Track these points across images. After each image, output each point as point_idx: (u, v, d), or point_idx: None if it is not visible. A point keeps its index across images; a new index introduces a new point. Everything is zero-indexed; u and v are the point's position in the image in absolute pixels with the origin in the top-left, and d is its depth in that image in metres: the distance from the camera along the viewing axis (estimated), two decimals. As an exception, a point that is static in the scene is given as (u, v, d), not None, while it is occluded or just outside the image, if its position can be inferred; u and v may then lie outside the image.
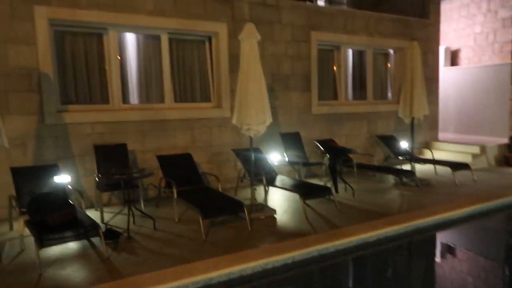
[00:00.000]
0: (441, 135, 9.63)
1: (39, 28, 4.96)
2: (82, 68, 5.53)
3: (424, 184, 6.51)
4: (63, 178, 4.61)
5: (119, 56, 5.72)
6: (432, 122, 9.04)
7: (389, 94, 8.71)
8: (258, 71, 4.87)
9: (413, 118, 6.77)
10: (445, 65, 10.26)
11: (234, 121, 4.90)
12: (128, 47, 5.92)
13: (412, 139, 6.93)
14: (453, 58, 10.48)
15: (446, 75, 10.12)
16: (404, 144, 7.81)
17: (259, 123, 4.86)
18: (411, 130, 6.85)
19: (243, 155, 5.88)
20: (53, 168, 4.64)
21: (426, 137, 8.96)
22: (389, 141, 7.95)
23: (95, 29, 5.52)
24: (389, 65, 8.66)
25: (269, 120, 4.95)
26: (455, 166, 6.71)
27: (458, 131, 10.07)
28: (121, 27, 5.63)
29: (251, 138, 5.01)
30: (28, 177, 4.38)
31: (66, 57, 5.41)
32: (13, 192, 4.30)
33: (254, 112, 4.77)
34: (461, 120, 10.00)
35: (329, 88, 7.86)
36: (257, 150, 6.22)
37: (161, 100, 6.08)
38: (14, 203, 4.20)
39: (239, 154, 5.98)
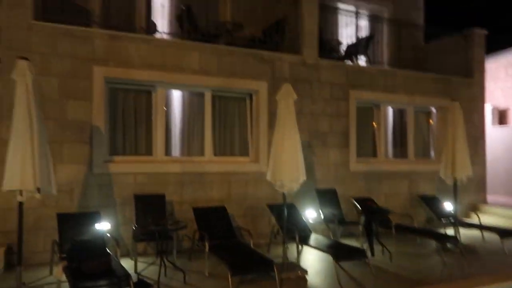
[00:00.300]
0: (489, 198, 9.13)
1: (96, 85, 5.47)
2: (130, 122, 5.95)
3: (469, 251, 6.12)
4: (103, 226, 4.85)
5: (165, 110, 6.11)
6: (479, 183, 8.63)
7: (432, 153, 8.50)
8: (294, 129, 5.00)
9: (455, 179, 6.52)
10: (493, 124, 9.94)
11: (268, 177, 4.99)
12: (174, 102, 6.33)
13: (455, 201, 6.64)
14: (501, 117, 10.15)
15: (494, 134, 9.77)
16: (448, 206, 7.47)
17: (293, 180, 4.91)
18: (454, 191, 6.57)
19: (277, 210, 5.89)
20: (95, 215, 4.90)
21: (472, 199, 8.52)
22: (431, 202, 7.64)
23: (145, 86, 5.99)
24: (431, 122, 8.53)
25: (302, 177, 4.99)
26: (505, 232, 6.30)
27: (508, 193, 9.50)
28: (168, 84, 6.07)
29: (284, 194, 5.05)
30: (71, 223, 4.65)
31: (117, 111, 5.87)
32: (57, 237, 4.56)
33: (287, 169, 4.84)
34: (510, 182, 9.47)
35: (368, 145, 7.82)
36: (292, 206, 6.21)
37: (201, 153, 6.34)
38: (56, 248, 4.44)
39: (273, 210, 6.00)
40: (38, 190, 3.72)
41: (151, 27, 7.21)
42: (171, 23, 7.43)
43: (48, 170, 3.88)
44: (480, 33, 8.84)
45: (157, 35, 7.13)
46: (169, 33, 6.54)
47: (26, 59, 3.91)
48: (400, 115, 8.29)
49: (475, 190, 8.57)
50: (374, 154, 7.85)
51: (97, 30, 5.61)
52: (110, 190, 5.49)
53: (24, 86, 3.80)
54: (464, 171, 6.47)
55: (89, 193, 5.37)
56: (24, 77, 3.82)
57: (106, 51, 5.54)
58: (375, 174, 7.52)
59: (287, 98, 5.10)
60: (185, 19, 6.72)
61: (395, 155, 8.13)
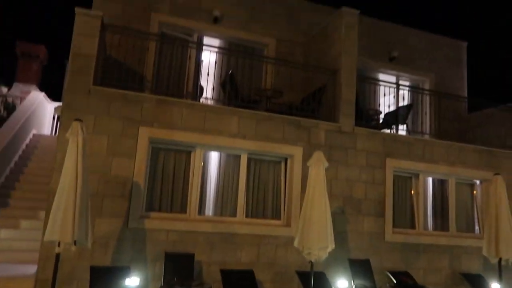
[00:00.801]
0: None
1: (140, 144, 5.90)
2: (168, 180, 6.26)
3: None
4: (133, 281, 4.98)
5: (201, 170, 6.40)
6: (532, 264, 7.94)
7: (477, 227, 8.04)
8: (324, 197, 5.06)
9: (500, 259, 6.11)
10: (545, 200, 9.29)
11: (296, 243, 4.99)
12: (211, 163, 6.63)
13: (500, 282, 6.16)
14: (555, 193, 9.49)
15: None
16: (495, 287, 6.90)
17: (321, 248, 4.87)
18: (499, 272, 6.13)
19: (307, 278, 5.76)
20: (126, 270, 5.07)
21: (524, 282, 7.82)
22: (475, 281, 7.11)
23: (185, 147, 6.36)
24: (475, 194, 8.17)
25: (331, 246, 4.94)
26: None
27: None
28: (207, 146, 6.40)
29: (311, 263, 4.98)
30: (103, 276, 4.84)
31: (157, 169, 6.22)
32: (88, 289, 4.74)
33: (316, 237, 4.84)
34: None
35: (406, 216, 7.58)
36: (321, 275, 6.05)
37: (233, 214, 6.46)
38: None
39: (302, 277, 5.88)
40: (75, 242, 3.98)
41: (199, 92, 7.78)
42: (215, 89, 7.97)
43: (86, 223, 4.17)
44: (525, 106, 8.64)
45: (202, 100, 7.66)
46: (213, 99, 7.02)
47: (80, 120, 4.38)
48: (441, 186, 8.04)
49: (527, 272, 7.87)
50: (413, 225, 7.56)
51: (146, 94, 6.16)
52: (143, 246, 5.68)
53: (75, 144, 4.24)
54: (510, 251, 6.07)
55: (123, 247, 5.59)
56: (76, 137, 4.26)
57: (152, 113, 6.03)
58: (412, 247, 7.20)
59: (318, 165, 5.22)
60: (228, 85, 7.21)
61: (436, 227, 7.78)
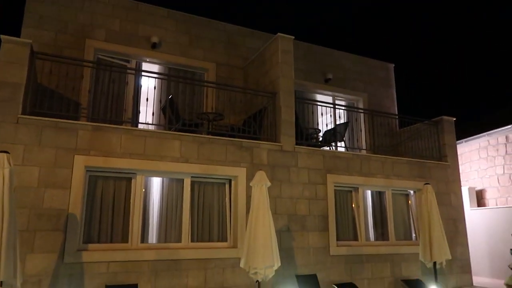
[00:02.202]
0: (475, 279, 8.94)
1: (76, 174, 5.65)
2: (108, 209, 6.03)
3: None
4: (70, 319, 4.66)
5: (143, 196, 6.23)
6: (464, 265, 8.52)
7: (414, 235, 8.51)
8: (267, 216, 5.12)
9: (435, 263, 6.49)
10: (471, 205, 10.11)
11: (242, 264, 4.98)
12: (153, 188, 6.48)
13: (436, 284, 6.52)
14: (479, 198, 10.36)
15: (474, 216, 9.88)
16: (433, 291, 7.30)
17: (267, 267, 4.90)
18: (435, 275, 6.50)
19: (255, 299, 5.73)
20: (63, 308, 4.73)
21: (458, 282, 8.35)
22: (415, 286, 7.47)
23: (125, 174, 6.18)
24: (410, 204, 8.68)
25: (277, 264, 4.99)
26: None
27: (493, 275, 9.34)
28: (148, 172, 6.27)
29: (258, 282, 4.99)
30: (36, 317, 4.48)
31: (96, 198, 5.97)
32: (19, 333, 4.36)
33: (261, 256, 4.86)
34: (495, 263, 9.35)
35: (348, 228, 7.86)
36: (270, 294, 6.05)
37: (178, 239, 6.32)
38: None
39: (251, 298, 5.84)
40: (1, 283, 3.68)
41: (138, 118, 7.66)
42: (155, 114, 7.88)
43: (15, 261, 3.88)
44: (449, 120, 9.43)
45: (142, 126, 7.54)
46: (154, 124, 6.94)
47: (6, 152, 4.13)
48: (379, 198, 8.46)
49: (460, 272, 8.43)
50: (355, 237, 7.85)
51: (81, 122, 5.95)
52: (80, 281, 5.36)
53: (1, 177, 3.98)
54: (443, 254, 6.48)
55: (58, 284, 5.23)
56: (2, 169, 4.00)
57: (89, 141, 5.83)
58: (356, 258, 7.45)
59: (260, 184, 5.30)
60: (168, 109, 7.17)
61: (377, 237, 8.13)
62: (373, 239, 8.07)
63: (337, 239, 7.44)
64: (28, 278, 5.00)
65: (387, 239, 8.12)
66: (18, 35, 7.46)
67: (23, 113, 5.60)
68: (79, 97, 7.53)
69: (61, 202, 5.48)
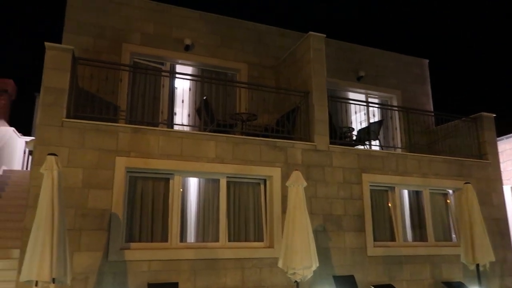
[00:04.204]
0: (522, 284, 8.57)
1: (117, 175, 5.84)
2: (148, 209, 6.19)
3: None
4: (115, 316, 4.82)
5: (181, 196, 6.36)
6: (509, 267, 8.19)
7: (454, 236, 8.27)
8: (304, 216, 5.12)
9: (477, 265, 6.28)
10: (515, 205, 9.70)
11: (280, 264, 5.00)
12: (190, 188, 6.60)
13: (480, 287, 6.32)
14: (523, 197, 9.92)
15: (518, 215, 9.49)
16: (475, 294, 7.07)
17: (305, 267, 4.89)
18: (478, 278, 6.29)
19: (292, 299, 5.74)
20: (108, 305, 4.90)
21: (502, 285, 8.03)
22: (457, 289, 7.26)
23: (163, 175, 6.32)
24: (449, 203, 8.44)
25: (315, 264, 4.98)
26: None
27: (543, 279, 8.91)
28: (185, 172, 6.39)
29: (297, 283, 4.99)
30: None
31: (136, 199, 6.14)
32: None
33: (299, 256, 4.86)
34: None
35: (385, 229, 7.72)
36: (307, 294, 6.04)
37: (216, 239, 6.41)
38: None
39: (288, 298, 5.85)
40: (53, 280, 3.86)
41: (172, 120, 7.81)
42: (190, 116, 8.02)
43: (65, 260, 4.06)
44: (488, 117, 9.08)
45: (178, 127, 7.68)
46: (189, 125, 7.06)
47: (54, 154, 4.32)
48: (416, 197, 8.27)
49: (504, 275, 8.11)
50: (393, 238, 7.70)
51: (121, 124, 6.14)
52: (124, 278, 5.54)
53: (50, 179, 4.16)
54: (486, 256, 6.26)
55: (103, 281, 5.43)
56: (51, 171, 4.19)
57: (128, 143, 6.00)
58: (394, 259, 7.31)
59: (297, 184, 5.30)
60: (203, 111, 7.27)
61: (415, 238, 7.94)
62: (411, 240, 7.90)
63: (374, 240, 7.33)
64: (76, 275, 5.21)
65: (426, 240, 7.92)
66: (60, 41, 7.77)
67: (67, 116, 5.83)
68: (117, 100, 7.76)
69: (104, 202, 5.68)
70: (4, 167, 9.14)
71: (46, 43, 5.90)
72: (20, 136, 10.63)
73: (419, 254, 7.52)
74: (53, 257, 3.88)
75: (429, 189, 8.20)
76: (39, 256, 3.86)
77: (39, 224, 3.98)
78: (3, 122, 10.88)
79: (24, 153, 10.35)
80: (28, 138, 10.50)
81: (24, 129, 11.52)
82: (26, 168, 10.18)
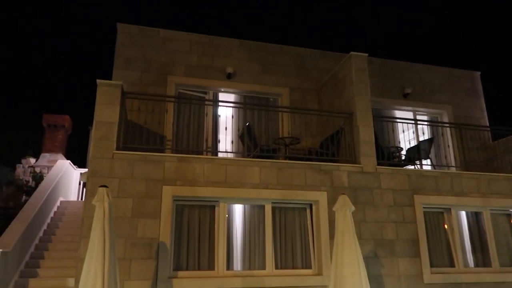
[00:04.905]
0: None
1: (165, 204, 5.96)
2: (194, 236, 6.23)
3: None
4: None
5: (227, 223, 6.35)
6: None
7: (522, 261, 7.56)
8: (354, 242, 4.91)
9: (553, 294, 5.67)
10: None
11: (330, 294, 4.79)
12: (235, 215, 6.59)
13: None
14: None
15: None
16: (553, 326, 6.35)
17: (357, 296, 4.65)
18: (554, 309, 5.66)
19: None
20: (157, 335, 4.92)
21: None
22: (530, 320, 6.57)
23: (208, 202, 6.37)
24: (514, 226, 7.78)
25: (367, 293, 4.72)
26: None
27: None
28: (231, 199, 6.41)
29: (349, 313, 4.74)
30: None
31: (183, 226, 6.22)
32: None
33: (350, 285, 4.65)
34: None
35: (443, 254, 7.22)
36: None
37: (262, 266, 6.30)
38: None
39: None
40: (105, 309, 3.93)
41: (216, 148, 7.94)
42: (234, 143, 8.11)
43: (115, 288, 4.14)
44: (552, 129, 8.40)
45: (222, 154, 7.78)
46: (233, 152, 7.14)
47: (106, 186, 4.49)
48: (476, 219, 7.70)
49: None
50: (452, 263, 7.18)
51: (167, 154, 6.31)
52: (172, 307, 5.56)
53: (102, 210, 4.31)
54: (562, 284, 5.64)
55: (154, 310, 5.48)
56: (103, 202, 4.35)
57: (174, 172, 6.14)
58: (454, 286, 6.78)
59: (344, 209, 5.14)
60: (245, 137, 7.33)
61: (477, 263, 7.35)
62: (472, 266, 7.32)
63: (431, 266, 6.86)
64: (126, 304, 5.31)
65: (489, 265, 7.30)
66: (110, 77, 8.24)
67: (117, 148, 6.09)
68: (164, 130, 8.03)
69: (152, 231, 5.80)
70: (62, 198, 9.69)
71: (98, 80, 6.27)
72: (75, 168, 11.27)
73: (483, 281, 6.93)
74: (104, 286, 3.97)
75: (490, 210, 7.62)
76: (91, 285, 3.97)
77: (91, 254, 4.11)
78: (60, 155, 11.61)
79: (79, 184, 10.94)
80: (83, 170, 11.12)
81: (80, 162, 12.22)
82: (81, 199, 10.72)
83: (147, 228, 5.79)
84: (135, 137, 6.79)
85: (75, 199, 10.81)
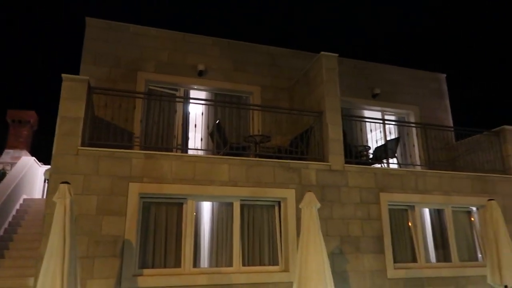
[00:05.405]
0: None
1: (131, 201, 5.88)
2: (161, 234, 6.18)
3: None
4: None
5: (194, 221, 6.33)
6: (542, 289, 7.71)
7: (480, 255, 7.89)
8: (318, 238, 5.00)
9: (506, 286, 5.94)
10: (545, 221, 9.20)
11: (294, 289, 4.86)
12: (203, 212, 6.58)
13: (511, 312, 5.94)
14: (554, 213, 9.42)
15: (549, 233, 8.99)
16: (507, 318, 6.65)
17: (320, 292, 4.73)
18: (507, 301, 5.94)
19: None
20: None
21: (537, 309, 7.55)
22: (486, 313, 6.86)
23: (176, 199, 6.33)
24: (473, 220, 8.10)
25: (331, 289, 4.81)
26: None
27: None
28: (199, 196, 6.38)
29: (312, 309, 4.82)
30: None
31: (149, 224, 6.16)
32: None
33: (314, 281, 4.73)
34: None
35: (406, 250, 7.45)
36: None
37: (230, 263, 6.32)
38: None
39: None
40: (63, 308, 3.85)
41: (186, 145, 7.89)
42: (203, 140, 8.08)
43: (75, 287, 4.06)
44: (511, 130, 8.77)
45: (192, 152, 7.74)
46: (203, 149, 7.11)
47: (67, 183, 4.40)
48: (439, 216, 7.98)
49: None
50: (414, 259, 7.41)
51: (134, 151, 6.23)
52: (138, 306, 5.50)
53: (63, 207, 4.22)
54: (515, 277, 5.92)
55: (118, 309, 5.40)
56: (64, 199, 4.25)
57: (142, 169, 6.07)
58: (416, 281, 7.00)
59: (310, 206, 5.20)
60: (215, 134, 7.32)
61: (438, 259, 7.62)
62: (434, 261, 7.58)
63: (395, 261, 7.06)
64: (88, 304, 5.21)
65: (450, 260, 7.58)
66: (77, 72, 8.05)
67: (82, 145, 5.96)
68: (132, 127, 7.91)
69: (117, 228, 5.71)
70: (25, 196, 9.38)
71: (63, 75, 6.11)
72: (41, 165, 10.94)
73: (443, 276, 7.19)
74: (63, 286, 3.89)
75: (452, 207, 7.91)
76: (50, 284, 3.88)
77: (50, 252, 4.01)
78: (25, 152, 11.24)
79: (45, 182, 10.63)
80: (49, 167, 10.80)
81: (46, 158, 11.86)
82: (46, 197, 10.41)
83: (112, 225, 5.70)
84: (102, 133, 6.66)
85: (40, 196, 10.49)
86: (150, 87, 8.59)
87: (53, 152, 5.77)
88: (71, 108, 5.97)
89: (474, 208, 8.15)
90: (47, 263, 3.98)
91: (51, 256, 3.99)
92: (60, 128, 5.86)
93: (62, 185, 4.36)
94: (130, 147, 7.19)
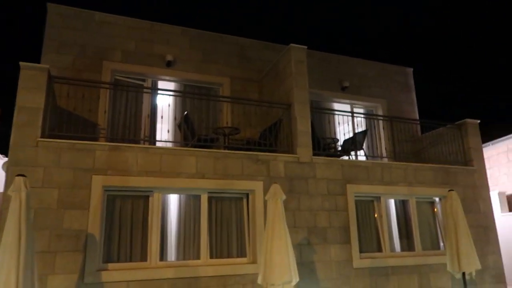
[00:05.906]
0: (513, 291, 8.48)
1: (94, 194, 5.73)
2: (126, 227, 6.07)
3: None
4: None
5: (161, 214, 6.24)
6: (497, 274, 8.10)
7: (442, 244, 8.18)
8: (283, 229, 5.03)
9: (464, 273, 6.19)
10: (503, 211, 9.66)
11: (259, 280, 4.89)
12: (170, 205, 6.50)
13: (468, 298, 6.22)
14: (511, 203, 9.89)
15: (506, 222, 9.43)
16: (465, 303, 6.94)
17: (285, 282, 4.79)
18: (464, 286, 6.20)
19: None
20: (83, 329, 4.75)
21: (493, 294, 7.93)
22: (446, 299, 7.15)
23: (142, 192, 6.22)
24: (436, 212, 8.37)
25: (295, 279, 4.87)
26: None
27: (534, 285, 8.83)
28: (165, 189, 6.29)
29: (277, 299, 4.87)
30: None
31: (114, 218, 6.03)
32: None
33: (278, 272, 4.76)
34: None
35: (372, 240, 7.63)
36: (292, 310, 5.90)
37: (197, 256, 6.28)
38: None
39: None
40: (18, 305, 3.73)
41: (153, 137, 7.75)
42: (172, 131, 7.95)
43: (32, 284, 3.93)
44: (473, 123, 9.09)
45: (160, 144, 7.61)
46: (171, 141, 7.00)
47: (23, 175, 4.23)
48: (403, 207, 8.20)
49: (493, 282, 8.01)
50: (380, 248, 7.60)
51: (98, 142, 6.06)
52: (101, 301, 5.39)
53: (18, 200, 4.06)
54: (472, 264, 6.17)
55: (80, 305, 5.28)
56: (19, 193, 4.09)
57: (106, 161, 5.91)
58: (381, 270, 7.20)
59: (275, 198, 5.22)
60: (183, 126, 7.22)
61: (402, 248, 7.85)
62: (398, 250, 7.81)
63: (361, 251, 7.22)
64: (48, 300, 5.06)
65: (413, 250, 7.83)
66: (39, 61, 7.73)
67: (42, 136, 5.74)
68: (97, 118, 7.69)
69: (80, 222, 5.56)
70: (-15, 190, 9.00)
71: (21, 63, 5.85)
72: (2, 157, 10.51)
73: (407, 265, 7.42)
74: (18, 282, 3.75)
75: (416, 198, 8.14)
76: (4, 281, 3.73)
77: (4, 248, 3.86)
78: (-15, 143, 10.74)
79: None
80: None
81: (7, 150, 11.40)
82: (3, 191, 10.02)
83: (75, 219, 5.54)
84: (64, 124, 6.43)
85: (1, 190, 10.09)
86: (117, 77, 8.37)
87: (10, 144, 5.54)
88: (30, 98, 5.73)
89: (437, 199, 8.43)
90: (1, 259, 3.82)
91: (4, 252, 3.84)
92: (17, 118, 5.62)
93: (17, 178, 4.19)
94: (95, 139, 6.99)
